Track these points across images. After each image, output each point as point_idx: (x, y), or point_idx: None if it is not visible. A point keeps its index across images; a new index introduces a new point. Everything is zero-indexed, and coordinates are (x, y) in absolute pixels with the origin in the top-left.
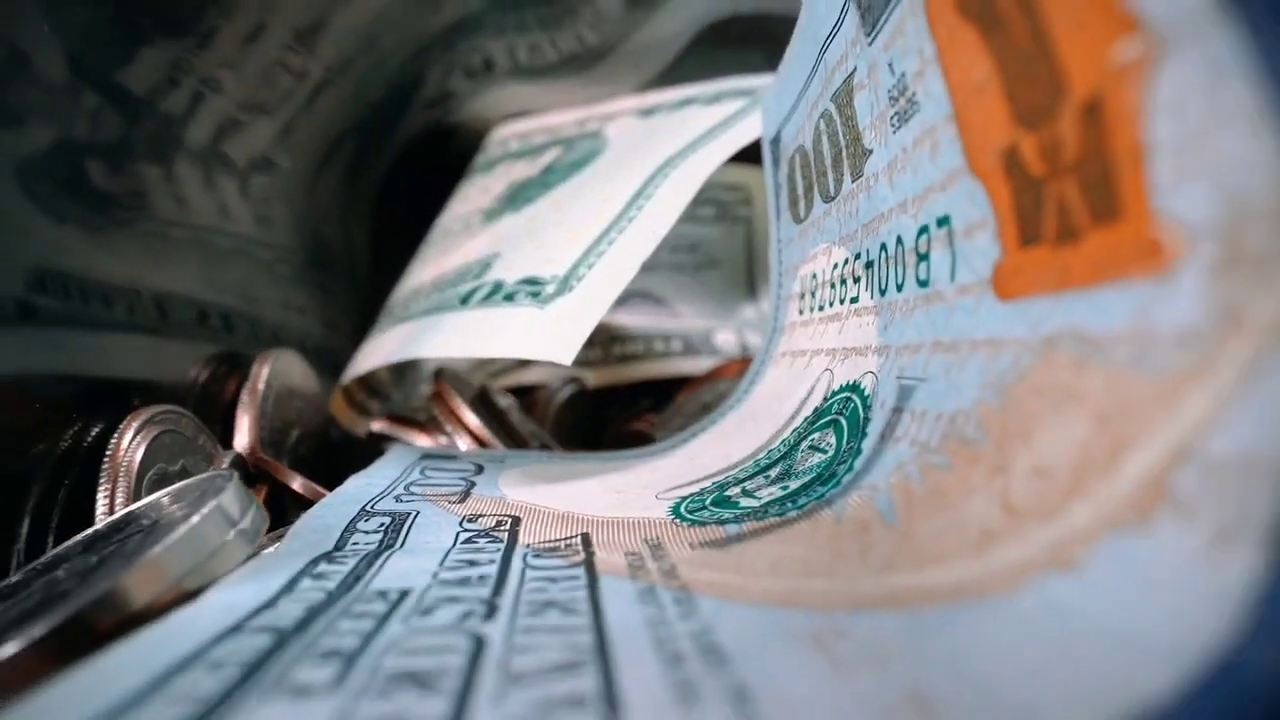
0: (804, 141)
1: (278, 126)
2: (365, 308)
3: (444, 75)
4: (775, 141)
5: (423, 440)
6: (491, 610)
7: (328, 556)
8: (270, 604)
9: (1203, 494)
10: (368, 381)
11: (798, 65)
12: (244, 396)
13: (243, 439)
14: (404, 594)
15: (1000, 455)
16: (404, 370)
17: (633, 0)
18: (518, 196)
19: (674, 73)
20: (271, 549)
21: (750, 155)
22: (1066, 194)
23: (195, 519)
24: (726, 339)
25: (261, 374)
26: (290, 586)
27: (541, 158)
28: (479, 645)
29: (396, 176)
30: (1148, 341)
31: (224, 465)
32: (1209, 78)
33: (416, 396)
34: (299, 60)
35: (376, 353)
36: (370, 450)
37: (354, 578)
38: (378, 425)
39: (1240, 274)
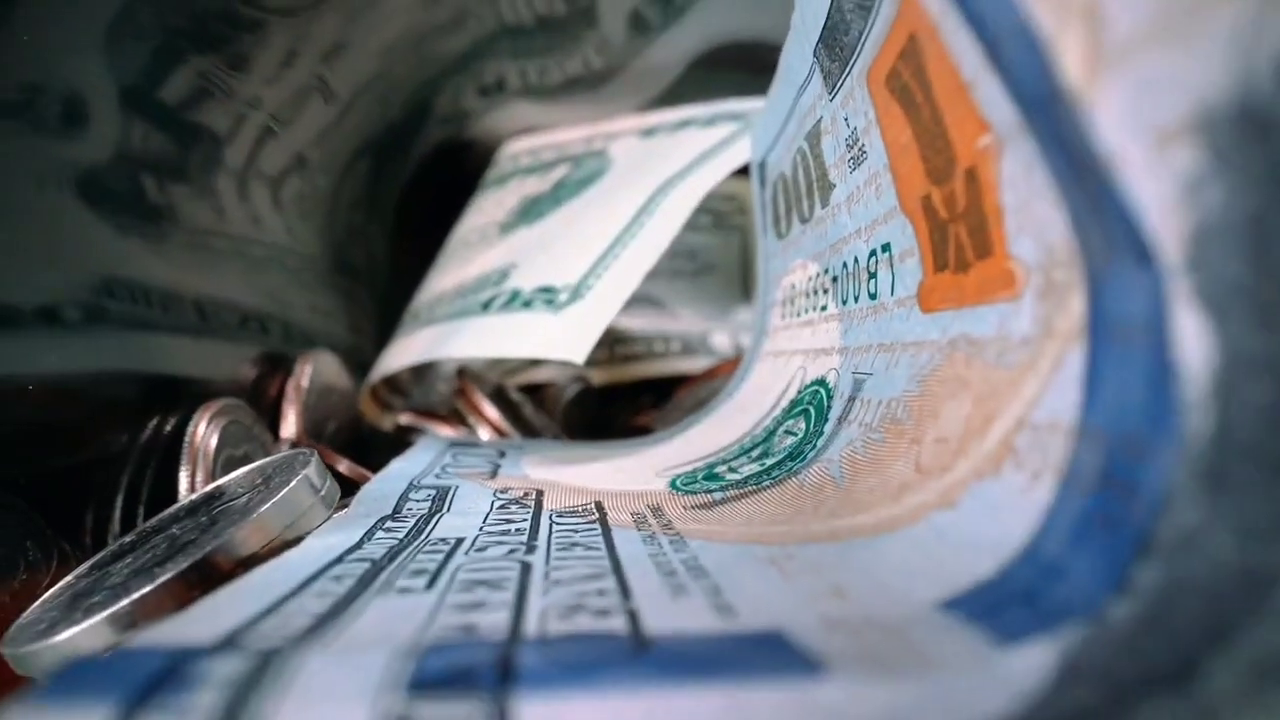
0: (785, 169)
1: (306, 142)
2: (385, 312)
3: (458, 93)
4: (762, 166)
5: (446, 431)
6: (530, 549)
7: (390, 518)
8: (358, 545)
9: (1029, 449)
10: (391, 380)
11: (779, 105)
12: (289, 391)
13: (289, 429)
14: (459, 540)
15: (917, 430)
16: (423, 370)
17: (635, 29)
18: (531, 211)
19: (673, 93)
20: (340, 514)
21: (745, 168)
22: (960, 235)
23: (291, 486)
24: (722, 340)
25: (305, 372)
26: (369, 535)
27: (551, 173)
28: (526, 568)
29: (414, 189)
30: (1005, 344)
31: (284, 450)
32: (1026, 166)
33: (434, 394)
34: (327, 81)
35: (406, 353)
36: (396, 441)
37: (416, 531)
38: (405, 418)
39: (1051, 299)
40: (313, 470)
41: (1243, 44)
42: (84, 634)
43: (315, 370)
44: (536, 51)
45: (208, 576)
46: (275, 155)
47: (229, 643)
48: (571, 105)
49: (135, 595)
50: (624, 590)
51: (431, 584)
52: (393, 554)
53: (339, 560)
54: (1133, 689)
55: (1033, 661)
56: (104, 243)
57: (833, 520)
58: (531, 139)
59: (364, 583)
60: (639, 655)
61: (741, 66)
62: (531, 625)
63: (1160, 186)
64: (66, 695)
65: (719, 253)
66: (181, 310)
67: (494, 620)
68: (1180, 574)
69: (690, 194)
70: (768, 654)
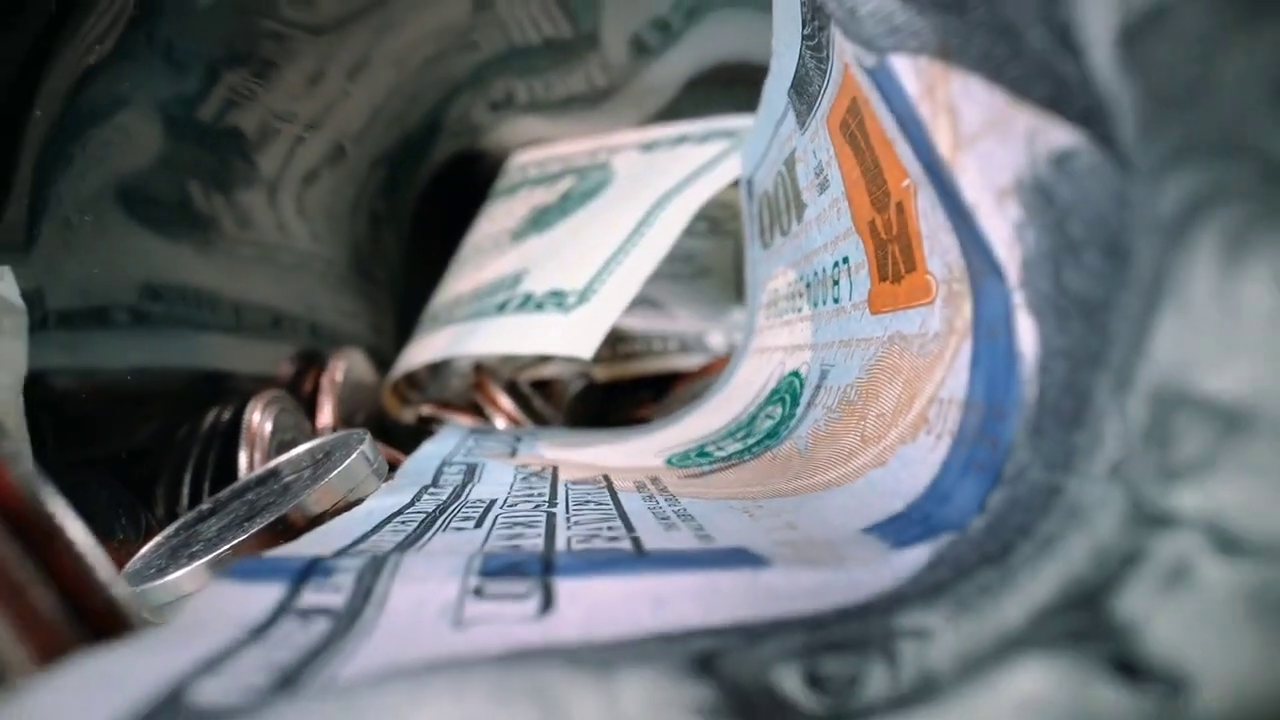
0: (768, 188)
1: (330, 154)
2: (403, 313)
3: (469, 108)
4: (750, 182)
5: (465, 420)
6: (552, 504)
7: (430, 487)
8: (411, 504)
9: (936, 419)
10: (409, 376)
11: (762, 133)
12: (325, 384)
13: (325, 418)
14: (493, 500)
15: (864, 408)
16: (439, 367)
17: (635, 51)
18: (540, 220)
19: (672, 109)
20: (387, 484)
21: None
22: (895, 252)
23: (351, 458)
24: (717, 339)
25: (339, 367)
26: (417, 498)
27: (558, 185)
28: (550, 516)
29: (428, 196)
30: (924, 339)
31: (324, 436)
32: (931, 205)
33: (448, 388)
34: (350, 96)
35: (427, 350)
36: (417, 431)
37: (455, 495)
38: (427, 409)
39: (952, 304)
40: (367, 447)
41: (1031, 141)
42: (188, 576)
43: (348, 366)
44: (543, 70)
45: (286, 530)
46: (301, 167)
47: (343, 553)
48: (576, 119)
49: (231, 543)
50: (628, 526)
51: (479, 525)
52: (440, 510)
53: (399, 513)
54: (971, 567)
55: (914, 558)
56: (153, 250)
57: (795, 481)
58: (538, 151)
59: (424, 526)
60: (640, 558)
61: (733, 84)
62: (560, 546)
63: (1002, 228)
64: (250, 575)
65: (714, 257)
66: (223, 312)
67: (532, 543)
68: (1013, 496)
69: (686, 206)
70: (732, 557)
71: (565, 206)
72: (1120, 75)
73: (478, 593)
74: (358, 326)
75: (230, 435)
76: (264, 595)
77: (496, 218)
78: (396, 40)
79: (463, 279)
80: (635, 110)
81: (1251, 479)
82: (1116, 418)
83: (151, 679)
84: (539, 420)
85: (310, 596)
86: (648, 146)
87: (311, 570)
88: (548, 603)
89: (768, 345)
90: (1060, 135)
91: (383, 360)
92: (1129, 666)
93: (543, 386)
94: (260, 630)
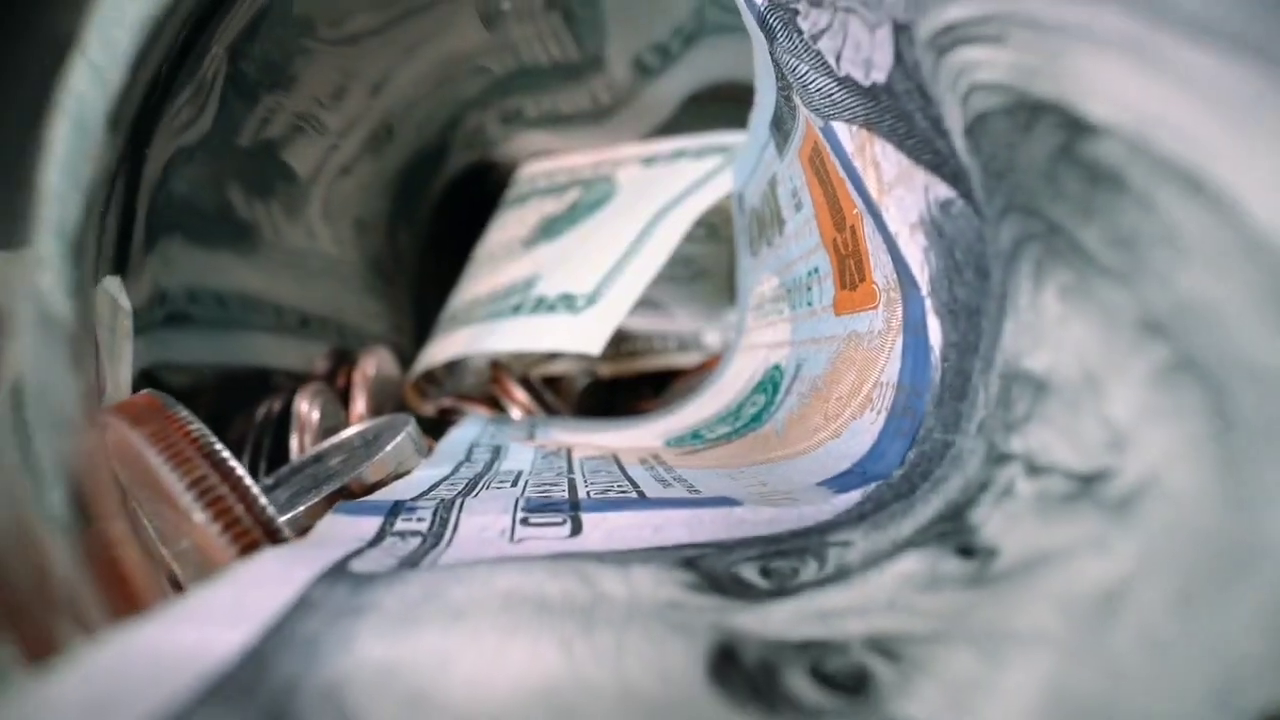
0: (756, 203)
1: (352, 164)
2: (420, 314)
3: (482, 122)
4: (740, 197)
5: (482, 412)
6: (570, 473)
7: (464, 462)
8: (451, 474)
9: (878, 398)
10: (428, 373)
11: (749, 155)
12: (357, 379)
13: (359, 408)
14: (520, 470)
15: (828, 393)
16: (455, 364)
17: (638, 71)
18: (550, 229)
19: (671, 124)
20: (425, 461)
21: None
22: (850, 266)
23: (400, 437)
24: (713, 338)
25: (370, 363)
26: (455, 470)
27: (566, 195)
28: (570, 481)
29: (443, 204)
30: (871, 336)
31: (371, 421)
32: (871, 231)
33: (463, 384)
34: (371, 110)
35: (448, 348)
36: (437, 423)
37: (487, 468)
38: (447, 402)
39: (890, 308)
40: (412, 429)
41: (926, 191)
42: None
43: (377, 362)
44: (551, 88)
45: (348, 496)
46: (329, 177)
47: (418, 498)
48: (581, 133)
49: (304, 506)
50: (634, 485)
51: (515, 483)
52: (477, 478)
53: (444, 480)
54: (887, 503)
55: (849, 499)
56: (196, 258)
57: (770, 454)
58: (546, 163)
59: (469, 488)
60: (644, 500)
61: (726, 101)
62: (581, 497)
63: (915, 253)
64: (354, 511)
65: (711, 261)
66: (264, 313)
67: (559, 495)
68: (922, 451)
69: (684, 218)
70: (714, 501)
71: (573, 216)
72: (969, 154)
73: (524, 522)
74: (380, 326)
75: (281, 423)
76: (368, 523)
77: (508, 226)
78: (415, 61)
79: (479, 282)
80: (637, 125)
81: (1047, 427)
82: (983, 390)
83: (322, 557)
84: (550, 412)
85: (401, 524)
86: (648, 160)
87: (398, 508)
88: (577, 528)
89: (755, 343)
90: (942, 189)
91: (404, 357)
92: (968, 550)
93: (552, 382)
94: (373, 542)
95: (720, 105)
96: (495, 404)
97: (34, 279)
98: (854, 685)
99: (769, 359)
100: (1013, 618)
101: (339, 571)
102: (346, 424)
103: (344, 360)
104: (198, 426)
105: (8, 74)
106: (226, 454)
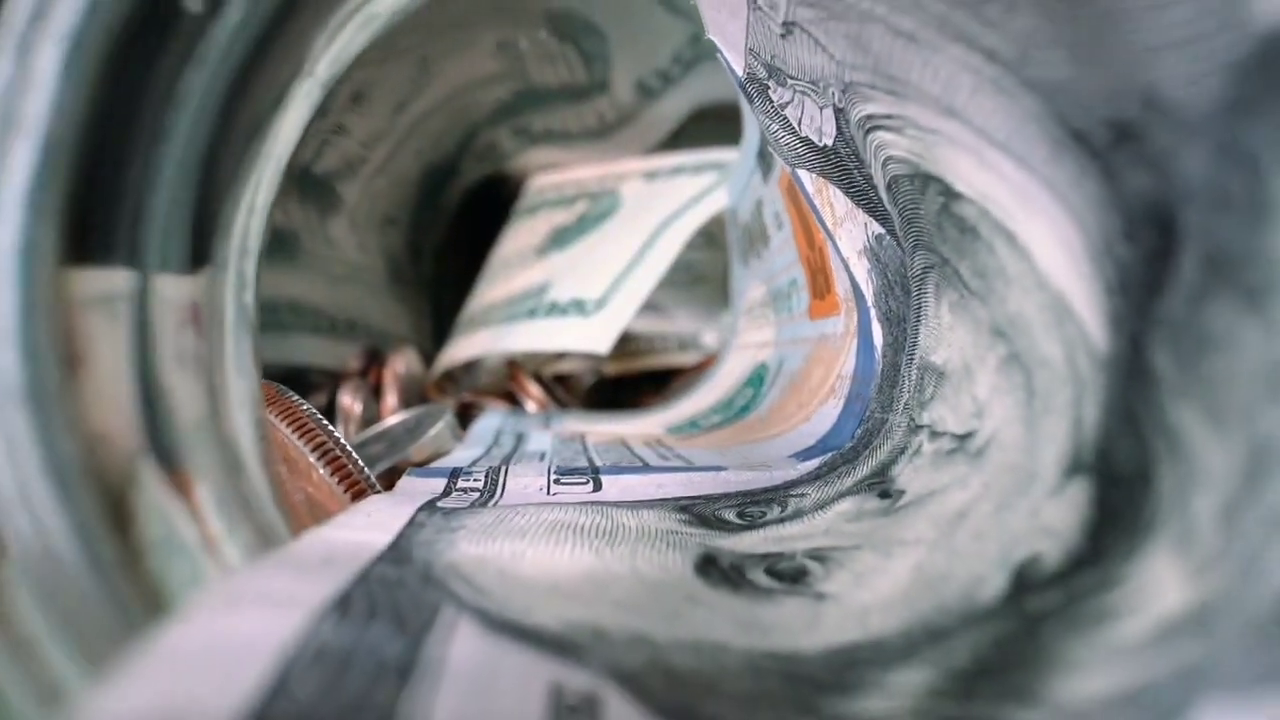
0: (747, 219)
1: (375, 175)
2: (437, 316)
3: (494, 137)
4: (734, 212)
5: (500, 406)
6: (586, 452)
7: (494, 445)
8: (485, 454)
9: (839, 387)
10: (447, 372)
11: (741, 175)
12: (387, 376)
13: (391, 402)
14: (544, 451)
15: (802, 385)
16: (471, 364)
17: (640, 93)
18: (560, 239)
19: (671, 140)
20: (460, 444)
21: None
22: (819, 279)
23: (440, 424)
24: (710, 338)
25: (399, 361)
26: (488, 451)
27: (574, 207)
28: (589, 456)
29: (459, 214)
30: (836, 337)
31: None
32: (831, 253)
33: (479, 381)
34: (395, 128)
35: (468, 348)
36: (459, 417)
37: (514, 449)
38: (467, 397)
39: (848, 316)
40: (450, 417)
41: (866, 227)
42: None
43: (405, 361)
44: (560, 108)
45: (397, 474)
46: (352, 187)
47: (471, 464)
48: (588, 148)
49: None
50: (640, 459)
51: (543, 460)
52: (507, 459)
53: (482, 456)
54: (837, 466)
55: (810, 465)
56: None
57: (754, 436)
58: (555, 175)
59: (505, 460)
60: (649, 468)
61: (722, 121)
62: (599, 464)
63: (861, 273)
64: (423, 474)
65: (709, 267)
66: (303, 316)
67: (581, 463)
68: (866, 428)
69: (683, 230)
70: (705, 467)
71: (582, 227)
72: (890, 203)
73: (556, 481)
74: (401, 327)
75: (326, 414)
76: (436, 482)
77: (521, 235)
78: (434, 82)
79: (495, 287)
80: (640, 141)
81: (943, 404)
82: (908, 378)
83: (415, 499)
84: (561, 406)
85: (461, 483)
86: (650, 175)
87: (457, 472)
88: (598, 486)
89: (746, 343)
90: (876, 226)
91: (424, 356)
92: (885, 493)
93: (562, 380)
94: (442, 495)
95: (717, 123)
96: (511, 399)
97: (225, 288)
98: (795, 577)
99: (756, 357)
100: (903, 532)
101: (431, 507)
102: (379, 417)
103: (374, 359)
104: (308, 407)
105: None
106: (331, 427)
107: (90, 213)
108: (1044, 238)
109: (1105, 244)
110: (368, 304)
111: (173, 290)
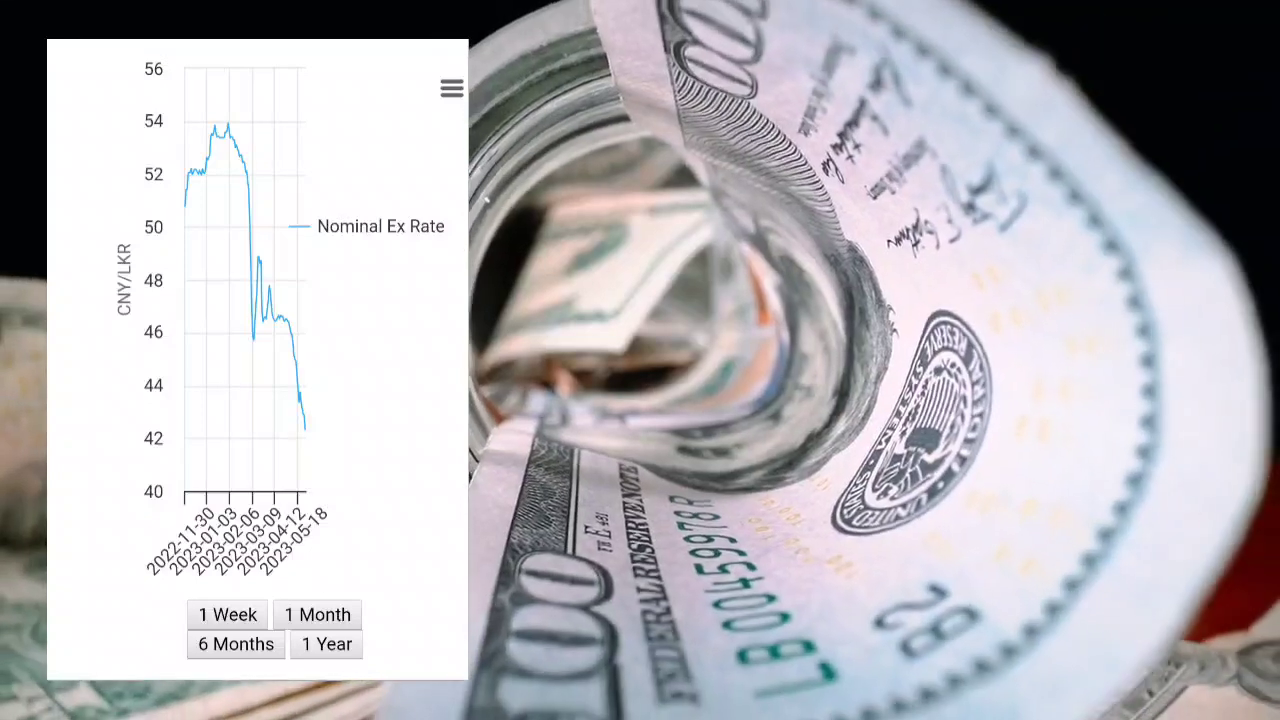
0: (722, 254)
1: None
2: (477, 322)
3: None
4: (713, 246)
5: (538, 391)
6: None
7: (548, 413)
8: (548, 413)
9: (767, 372)
10: (494, 365)
11: (718, 223)
12: None
13: None
14: (584, 410)
15: (752, 371)
16: (511, 360)
17: (645, 145)
18: (582, 262)
19: (671, 178)
20: (520, 413)
21: None
22: (760, 301)
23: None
24: (699, 339)
25: None
26: (550, 412)
27: (591, 235)
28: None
29: (493, 239)
30: (768, 339)
31: None
32: (768, 291)
33: (517, 372)
34: None
35: (511, 348)
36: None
37: (563, 412)
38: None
39: (776, 324)
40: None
41: (774, 276)
42: None
43: None
44: (583, 158)
45: None
46: None
47: (541, 425)
48: (601, 185)
49: None
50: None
51: (587, 413)
52: (564, 412)
53: (545, 415)
54: (759, 411)
55: (745, 410)
56: None
57: (720, 403)
58: (573, 207)
59: (563, 414)
60: (658, 413)
61: None
62: (622, 411)
63: (774, 303)
64: (521, 418)
65: (700, 281)
66: None
67: (613, 413)
68: (779, 395)
69: (679, 256)
70: (690, 415)
71: (599, 253)
72: (780, 267)
73: (597, 421)
74: None
75: None
76: (533, 422)
77: (549, 257)
78: None
79: (530, 300)
80: (647, 178)
81: (806, 372)
82: (795, 362)
83: (528, 426)
84: (586, 390)
85: (545, 422)
86: (653, 210)
87: (540, 417)
88: (625, 423)
89: (720, 345)
90: (776, 277)
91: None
92: (775, 417)
93: (582, 374)
94: (542, 426)
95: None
96: (546, 385)
97: None
98: (723, 452)
99: (726, 354)
100: (776, 432)
101: (539, 430)
102: None
103: None
104: None
105: None
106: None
107: None
108: (827, 290)
109: (839, 295)
110: None
111: None
